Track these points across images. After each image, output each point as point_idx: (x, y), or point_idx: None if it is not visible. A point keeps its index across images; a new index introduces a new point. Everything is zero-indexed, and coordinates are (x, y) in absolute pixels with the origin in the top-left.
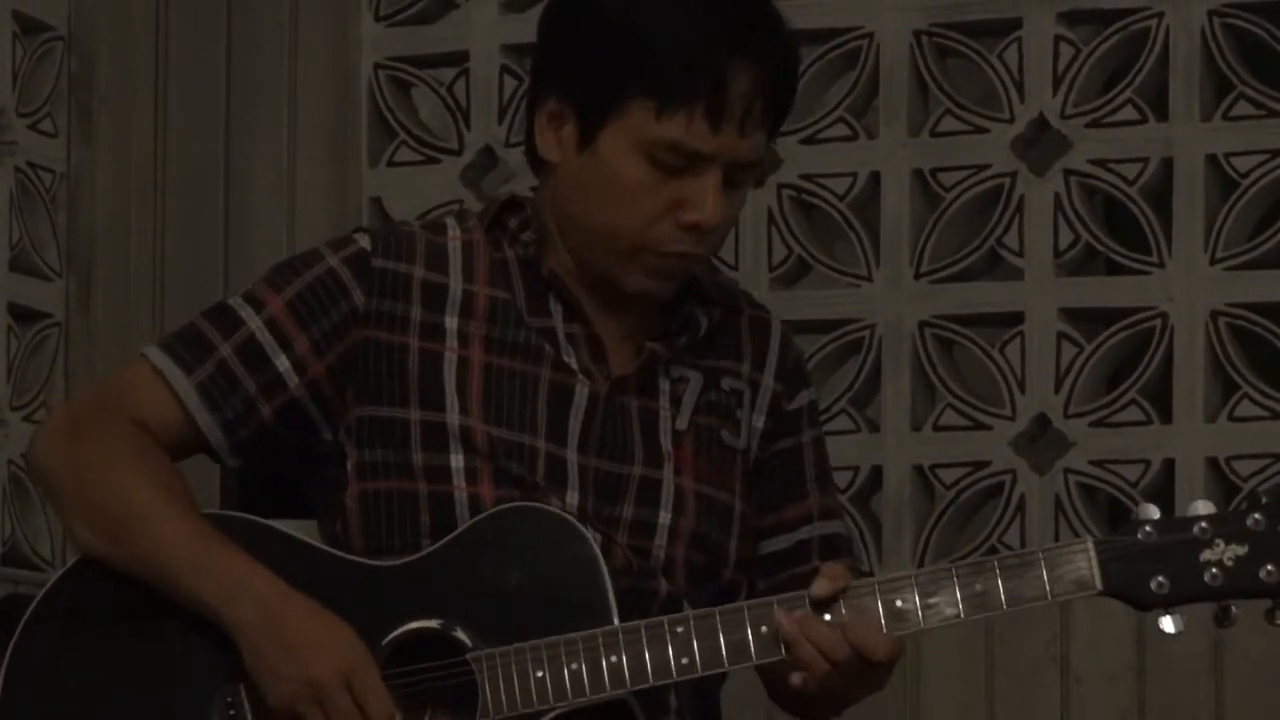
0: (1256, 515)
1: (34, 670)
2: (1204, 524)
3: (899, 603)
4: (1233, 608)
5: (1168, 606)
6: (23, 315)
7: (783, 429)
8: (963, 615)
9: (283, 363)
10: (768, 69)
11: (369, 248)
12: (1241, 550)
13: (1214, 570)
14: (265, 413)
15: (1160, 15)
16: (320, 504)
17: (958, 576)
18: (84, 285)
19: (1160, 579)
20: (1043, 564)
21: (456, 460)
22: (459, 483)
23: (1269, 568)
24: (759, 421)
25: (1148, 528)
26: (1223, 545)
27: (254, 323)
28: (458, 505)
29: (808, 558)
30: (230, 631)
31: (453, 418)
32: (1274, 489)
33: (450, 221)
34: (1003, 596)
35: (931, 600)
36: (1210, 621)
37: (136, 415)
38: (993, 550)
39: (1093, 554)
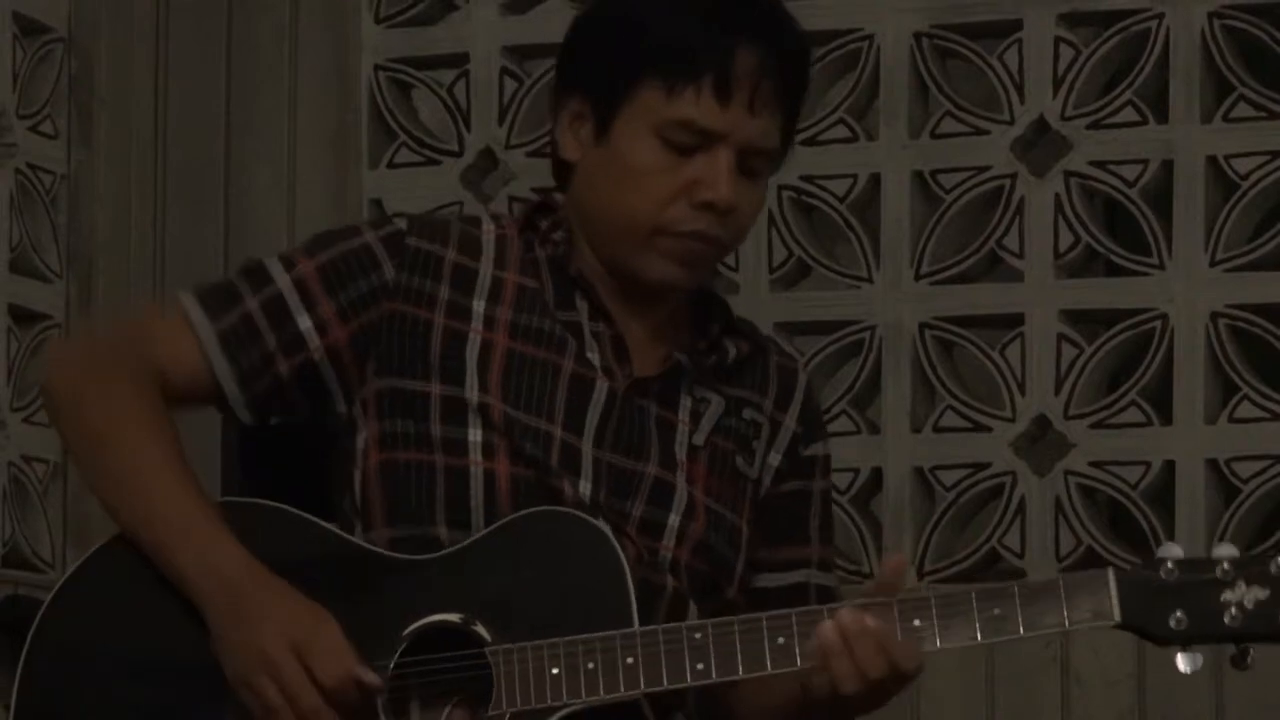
0: None
1: (52, 659)
2: (1227, 565)
3: (916, 622)
4: (1250, 650)
5: (1184, 644)
6: (23, 317)
7: (795, 471)
8: (980, 638)
9: (305, 322)
10: (775, 52)
11: (405, 228)
12: (1263, 594)
13: (1234, 611)
14: (283, 369)
15: (1160, 17)
16: (332, 479)
17: (976, 599)
18: (84, 287)
19: (1179, 615)
20: (1063, 592)
21: (474, 434)
22: (475, 457)
23: None
24: (774, 459)
25: (1170, 565)
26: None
27: (282, 280)
28: (473, 480)
29: (804, 604)
30: (199, 608)
31: (471, 394)
32: None
33: (485, 216)
34: (1020, 622)
35: (949, 622)
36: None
37: (156, 361)
38: (992, 551)
39: (1113, 585)
